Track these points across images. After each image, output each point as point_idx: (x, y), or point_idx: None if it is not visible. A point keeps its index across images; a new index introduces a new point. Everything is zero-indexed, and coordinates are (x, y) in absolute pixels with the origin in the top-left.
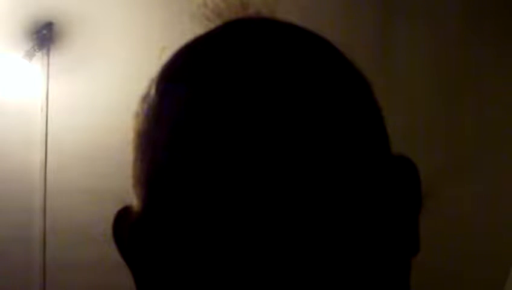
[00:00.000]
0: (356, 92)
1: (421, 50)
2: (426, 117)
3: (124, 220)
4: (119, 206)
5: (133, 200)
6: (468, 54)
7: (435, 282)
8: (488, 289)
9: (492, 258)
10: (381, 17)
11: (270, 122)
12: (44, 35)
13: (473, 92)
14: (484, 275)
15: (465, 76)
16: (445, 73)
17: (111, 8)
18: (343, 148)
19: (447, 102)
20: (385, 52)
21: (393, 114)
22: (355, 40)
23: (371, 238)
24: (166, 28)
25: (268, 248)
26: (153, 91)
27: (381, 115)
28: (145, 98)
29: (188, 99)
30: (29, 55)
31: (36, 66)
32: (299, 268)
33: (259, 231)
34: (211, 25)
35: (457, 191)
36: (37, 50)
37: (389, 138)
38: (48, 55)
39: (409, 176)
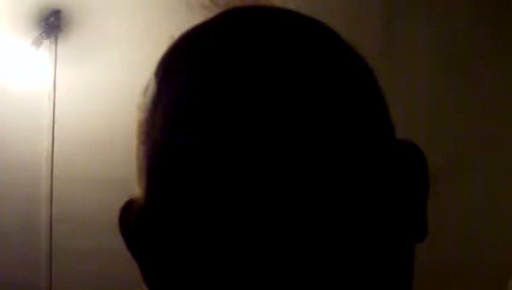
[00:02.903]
0: (358, 78)
1: (423, 41)
2: (426, 110)
3: (129, 212)
4: (126, 195)
5: (138, 191)
6: (471, 45)
7: (435, 276)
8: (490, 288)
9: (496, 254)
10: (383, 11)
11: (270, 112)
12: (52, 23)
13: (475, 84)
14: (485, 275)
15: (468, 67)
16: (447, 64)
17: None
18: (347, 134)
19: (448, 94)
20: (387, 46)
21: (392, 108)
22: (356, 31)
23: (376, 223)
24: (174, 16)
25: (271, 233)
26: (152, 82)
27: (385, 100)
28: (146, 88)
29: (184, 89)
30: (37, 42)
31: (44, 53)
32: (302, 250)
33: (262, 219)
34: (208, 14)
35: (458, 185)
36: (44, 38)
37: (393, 123)
38: (56, 42)
39: (415, 160)
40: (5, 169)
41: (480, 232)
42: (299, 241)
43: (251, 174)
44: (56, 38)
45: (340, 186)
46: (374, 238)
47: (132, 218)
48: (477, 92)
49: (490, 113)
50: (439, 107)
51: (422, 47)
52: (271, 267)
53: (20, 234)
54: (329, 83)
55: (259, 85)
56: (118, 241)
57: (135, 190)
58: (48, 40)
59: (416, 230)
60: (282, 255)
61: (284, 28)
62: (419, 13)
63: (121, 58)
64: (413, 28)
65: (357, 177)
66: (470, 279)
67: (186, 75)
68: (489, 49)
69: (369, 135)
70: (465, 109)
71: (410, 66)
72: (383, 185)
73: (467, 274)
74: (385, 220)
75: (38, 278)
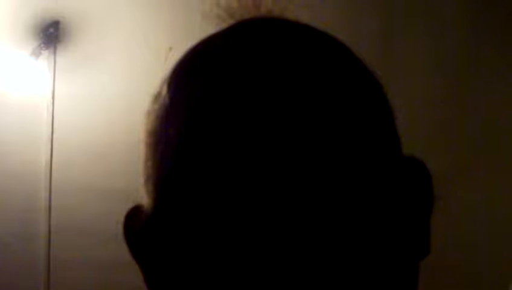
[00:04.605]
0: (368, 93)
1: (421, 48)
2: (426, 118)
3: (134, 219)
4: (125, 205)
5: (144, 198)
6: (470, 55)
7: (437, 279)
8: None
9: (497, 257)
10: (383, 18)
11: (280, 124)
12: (51, 34)
13: (474, 91)
14: (487, 278)
15: (466, 74)
16: (445, 72)
17: (118, 7)
18: (352, 150)
19: (447, 102)
20: (385, 52)
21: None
22: (353, 47)
23: (379, 240)
24: (172, 27)
25: (275, 249)
26: (164, 90)
27: (393, 116)
28: (156, 96)
29: (199, 99)
30: (36, 53)
31: (43, 64)
32: (304, 268)
33: (267, 233)
34: (223, 25)
35: (458, 193)
36: (43, 48)
37: (400, 139)
38: (55, 53)
39: (419, 177)
40: (3, 179)
41: (482, 235)
42: (301, 257)
43: (262, 194)
44: (55, 49)
45: (343, 201)
46: (375, 253)
47: (138, 225)
48: (477, 102)
49: (490, 123)
50: (439, 117)
51: (422, 58)
52: (273, 283)
53: (18, 244)
54: (337, 99)
55: (274, 101)
56: (116, 252)
57: (135, 199)
58: (47, 51)
59: (419, 247)
60: (289, 270)
61: (298, 41)
62: (417, 27)
63: (119, 68)
64: (411, 42)
65: (360, 191)
66: (471, 282)
67: (200, 88)
68: (489, 58)
69: (375, 150)
70: (465, 118)
71: (410, 75)
72: (386, 201)
73: (468, 277)
74: (387, 236)
75: (37, 287)
